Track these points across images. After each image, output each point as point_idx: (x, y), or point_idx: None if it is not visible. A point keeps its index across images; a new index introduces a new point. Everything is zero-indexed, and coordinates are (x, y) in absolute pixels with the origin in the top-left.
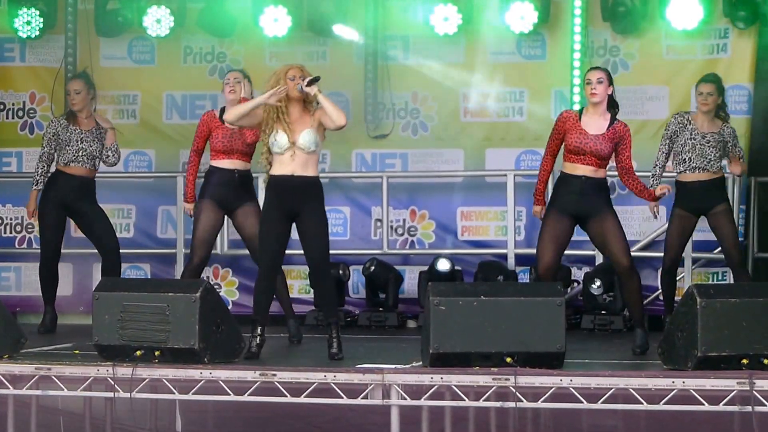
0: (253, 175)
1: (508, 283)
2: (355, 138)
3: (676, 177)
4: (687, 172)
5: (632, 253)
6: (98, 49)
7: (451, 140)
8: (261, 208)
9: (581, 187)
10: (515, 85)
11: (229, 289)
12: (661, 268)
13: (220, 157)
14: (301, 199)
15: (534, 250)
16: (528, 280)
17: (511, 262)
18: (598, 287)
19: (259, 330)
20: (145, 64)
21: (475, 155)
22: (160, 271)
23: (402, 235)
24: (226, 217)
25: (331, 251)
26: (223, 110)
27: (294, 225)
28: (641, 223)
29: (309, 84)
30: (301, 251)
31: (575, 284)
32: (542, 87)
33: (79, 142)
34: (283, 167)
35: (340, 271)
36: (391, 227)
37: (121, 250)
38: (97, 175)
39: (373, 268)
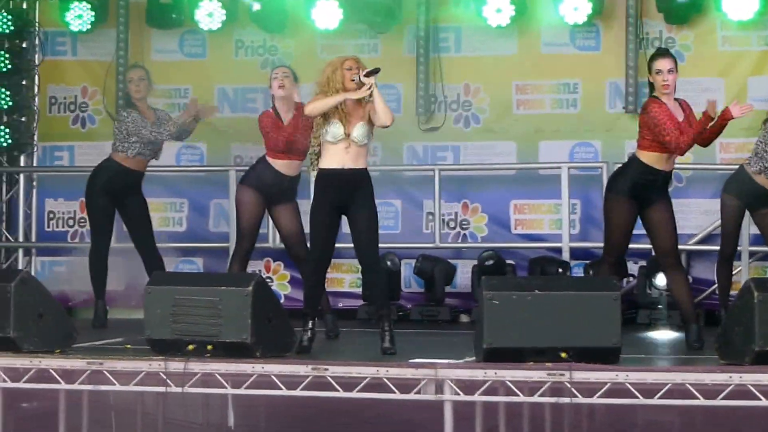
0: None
1: (562, 277)
2: (406, 131)
3: (744, 166)
4: (764, 174)
5: (689, 246)
6: (150, 43)
7: (503, 133)
8: (308, 205)
9: (659, 182)
10: (569, 76)
11: (281, 282)
12: (717, 261)
13: (278, 157)
14: (352, 192)
15: (589, 244)
16: (583, 275)
17: (565, 255)
18: (666, 284)
19: (310, 324)
20: (197, 57)
21: (528, 148)
22: (212, 265)
23: (454, 228)
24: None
25: (382, 245)
26: (274, 109)
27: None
28: (698, 216)
29: (368, 74)
30: (351, 244)
31: (631, 278)
32: (596, 78)
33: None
34: (335, 159)
35: (389, 262)
36: (443, 221)
37: (173, 244)
38: (147, 169)
39: (420, 264)
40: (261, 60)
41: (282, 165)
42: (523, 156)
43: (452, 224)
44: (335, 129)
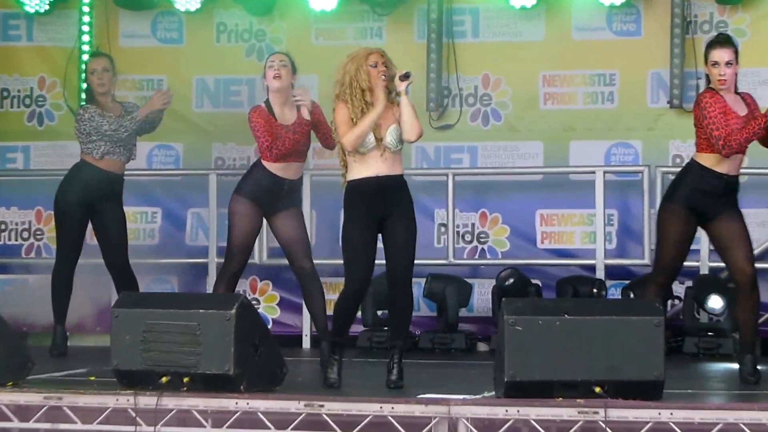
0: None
1: (596, 299)
2: None
3: None
4: None
5: None
6: (117, 27)
7: (528, 131)
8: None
9: (723, 187)
10: (605, 66)
11: (270, 305)
12: None
13: (275, 160)
14: (391, 202)
15: (627, 261)
16: (621, 296)
17: (600, 274)
18: (721, 307)
19: (337, 354)
20: (172, 43)
21: (557, 149)
22: (189, 284)
23: (470, 242)
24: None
25: (380, 261)
26: (267, 103)
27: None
28: (755, 229)
29: (402, 79)
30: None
31: (676, 301)
32: (636, 69)
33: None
34: (369, 168)
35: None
36: (458, 233)
37: (144, 260)
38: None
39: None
40: (246, 47)
41: (280, 168)
42: (552, 158)
43: (468, 237)
44: (367, 137)
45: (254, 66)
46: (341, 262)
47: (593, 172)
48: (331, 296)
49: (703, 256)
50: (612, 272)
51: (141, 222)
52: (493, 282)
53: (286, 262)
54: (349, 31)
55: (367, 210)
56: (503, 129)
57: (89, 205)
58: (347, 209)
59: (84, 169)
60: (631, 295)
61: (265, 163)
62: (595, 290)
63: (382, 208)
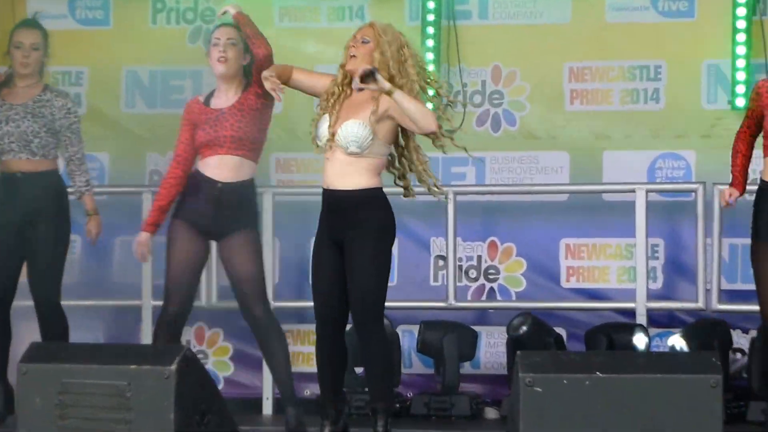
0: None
1: (636, 352)
2: None
3: None
4: None
5: None
6: (24, 3)
7: (550, 138)
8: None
9: None
10: (648, 56)
11: (220, 359)
12: None
13: (205, 153)
14: (346, 222)
15: (676, 304)
16: (669, 348)
17: (641, 320)
18: None
19: (330, 420)
20: (96, 25)
21: (587, 161)
22: (118, 332)
23: (476, 279)
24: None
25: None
26: (211, 94)
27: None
28: None
29: (363, 80)
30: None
31: (738, 355)
32: (689, 59)
33: (5, 123)
34: (327, 172)
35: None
36: (460, 268)
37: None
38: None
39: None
40: (191, 30)
41: (212, 166)
42: (580, 173)
43: (474, 274)
44: (321, 128)
45: (200, 54)
46: (308, 304)
47: (633, 191)
48: (303, 348)
49: None
50: (657, 318)
51: None
52: (505, 330)
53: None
54: (322, 11)
55: (327, 227)
56: (518, 136)
57: (20, 223)
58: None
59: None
60: (681, 347)
61: (198, 166)
62: (634, 341)
63: (339, 229)
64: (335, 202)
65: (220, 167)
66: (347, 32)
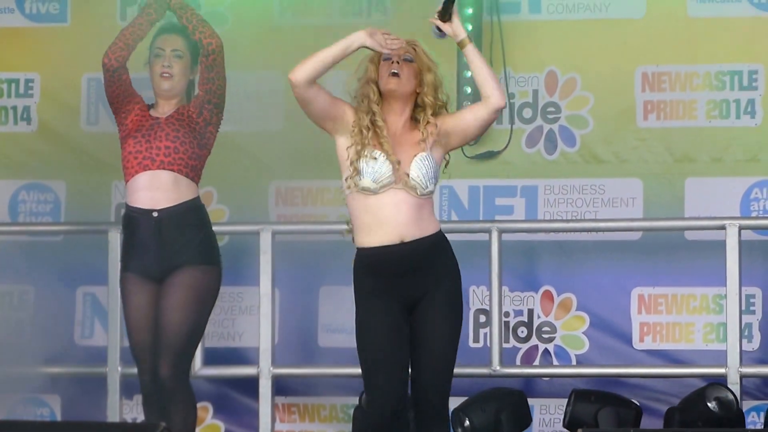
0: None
1: (728, 430)
2: None
3: None
4: None
5: None
6: None
7: (619, 162)
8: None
9: None
10: (741, 59)
11: None
12: None
13: (132, 173)
14: (424, 276)
15: None
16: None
17: (734, 389)
18: None
19: None
20: (51, 22)
21: (666, 190)
22: (79, 407)
23: (527, 339)
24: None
25: None
26: (151, 107)
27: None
28: None
29: (443, 16)
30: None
31: None
32: None
33: None
34: (387, 222)
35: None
36: (507, 325)
37: (9, 369)
38: None
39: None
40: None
41: (143, 187)
42: (656, 205)
43: (523, 332)
44: (380, 166)
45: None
46: (317, 371)
47: (723, 228)
48: (311, 427)
49: None
50: (753, 388)
51: (1, 309)
52: (564, 403)
53: (232, 372)
54: (334, 3)
55: (386, 287)
56: (579, 159)
57: None
58: (356, 284)
59: None
60: None
61: (127, 196)
62: (723, 415)
63: (410, 287)
64: (408, 256)
65: (152, 188)
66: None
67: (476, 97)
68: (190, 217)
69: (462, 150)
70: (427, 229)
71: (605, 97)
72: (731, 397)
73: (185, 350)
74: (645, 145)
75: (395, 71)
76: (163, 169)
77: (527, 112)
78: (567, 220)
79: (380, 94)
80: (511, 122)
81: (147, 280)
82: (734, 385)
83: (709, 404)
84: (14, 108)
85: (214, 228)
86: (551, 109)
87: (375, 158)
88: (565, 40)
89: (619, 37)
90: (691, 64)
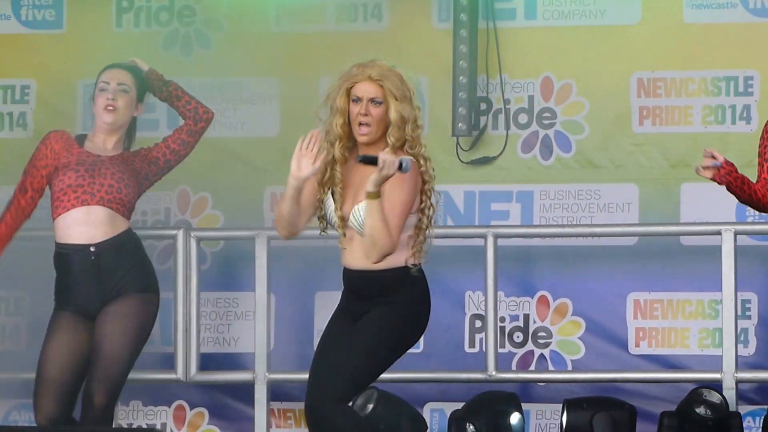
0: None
1: None
2: (435, 162)
3: None
4: None
5: None
6: None
7: (615, 168)
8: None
9: None
10: (736, 64)
11: None
12: None
13: (64, 207)
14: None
15: None
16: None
17: (729, 395)
18: None
19: None
20: (46, 28)
21: (662, 196)
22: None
23: (522, 344)
24: None
25: (388, 375)
26: (84, 137)
27: None
28: None
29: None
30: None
31: None
32: None
33: None
34: (346, 254)
35: (370, 405)
36: (503, 330)
37: (4, 375)
38: None
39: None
40: (165, 34)
41: (78, 222)
42: (652, 211)
43: (519, 337)
44: (328, 208)
45: (177, 63)
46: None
47: (719, 233)
48: None
49: None
50: (748, 393)
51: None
52: (560, 408)
53: (228, 377)
54: (330, 11)
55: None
56: (575, 165)
57: None
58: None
59: None
60: None
61: (55, 232)
62: (717, 421)
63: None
64: (359, 284)
65: (88, 223)
66: (360, 36)
67: (472, 95)
68: (128, 247)
69: (458, 155)
70: (386, 262)
71: (601, 103)
72: (719, 399)
73: (121, 380)
74: (641, 151)
75: (363, 122)
76: (102, 205)
77: (523, 118)
78: (563, 226)
79: (349, 125)
80: (507, 128)
81: (81, 318)
82: (730, 390)
83: (697, 410)
84: (10, 114)
85: (209, 233)
86: (547, 114)
87: (329, 202)
88: (560, 46)
89: (615, 43)
90: (686, 70)
